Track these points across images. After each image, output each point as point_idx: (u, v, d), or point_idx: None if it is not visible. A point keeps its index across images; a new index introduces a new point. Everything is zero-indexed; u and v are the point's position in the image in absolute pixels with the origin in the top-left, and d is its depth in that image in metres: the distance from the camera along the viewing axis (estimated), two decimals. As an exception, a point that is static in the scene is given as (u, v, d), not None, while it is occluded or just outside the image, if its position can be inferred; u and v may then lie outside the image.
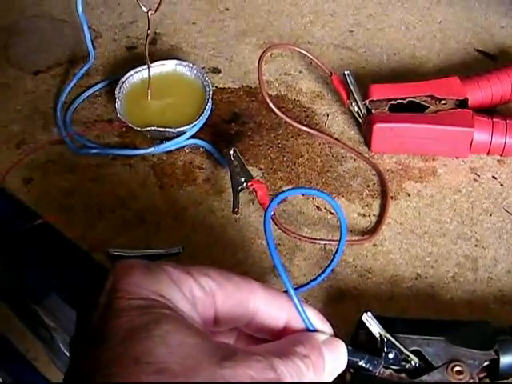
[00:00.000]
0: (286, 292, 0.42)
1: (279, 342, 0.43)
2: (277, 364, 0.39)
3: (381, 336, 0.52)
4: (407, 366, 0.53)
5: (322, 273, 0.57)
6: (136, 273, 0.38)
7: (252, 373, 0.37)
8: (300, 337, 0.43)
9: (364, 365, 0.49)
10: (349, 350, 0.46)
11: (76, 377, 0.36)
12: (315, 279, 0.58)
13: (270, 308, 0.43)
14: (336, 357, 0.44)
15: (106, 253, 0.63)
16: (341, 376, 0.46)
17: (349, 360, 0.46)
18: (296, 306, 0.42)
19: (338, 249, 0.51)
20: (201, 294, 0.40)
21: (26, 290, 0.65)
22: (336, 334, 0.45)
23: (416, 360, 0.53)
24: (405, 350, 0.52)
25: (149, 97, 0.75)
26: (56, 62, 0.82)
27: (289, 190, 0.45)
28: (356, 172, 0.70)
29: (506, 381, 0.55)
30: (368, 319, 0.52)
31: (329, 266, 0.55)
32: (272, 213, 0.64)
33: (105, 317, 0.37)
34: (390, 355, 0.52)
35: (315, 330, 0.44)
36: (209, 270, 0.42)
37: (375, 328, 0.52)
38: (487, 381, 0.56)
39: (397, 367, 0.53)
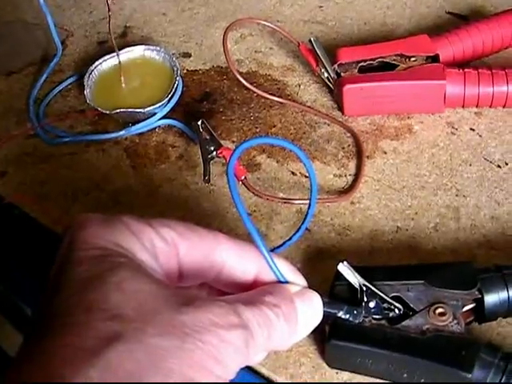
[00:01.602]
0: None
1: (247, 292, 0.41)
2: (242, 310, 0.38)
3: (360, 285, 0.51)
4: (390, 315, 0.51)
5: (297, 232, 0.55)
6: (93, 224, 0.38)
7: (213, 317, 0.36)
8: (270, 288, 0.42)
9: (343, 316, 0.48)
10: (325, 302, 0.45)
11: (34, 327, 0.35)
12: (290, 239, 0.57)
13: (239, 260, 0.42)
14: (310, 308, 0.43)
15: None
16: (318, 329, 0.45)
17: (326, 312, 0.45)
18: (265, 256, 0.41)
19: (310, 202, 0.49)
20: (162, 245, 0.39)
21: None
22: (311, 288, 0.44)
23: (399, 307, 0.51)
24: (386, 297, 0.51)
25: (123, 84, 0.74)
26: (29, 63, 0.83)
27: (251, 139, 0.43)
28: (330, 136, 0.69)
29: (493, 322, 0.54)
30: (345, 269, 0.51)
31: (303, 223, 0.54)
32: (242, 177, 0.63)
33: (62, 268, 0.36)
34: (371, 304, 0.50)
35: (287, 282, 0.43)
36: (171, 221, 0.41)
37: (353, 277, 0.51)
38: (475, 324, 0.54)
39: (379, 316, 0.51)
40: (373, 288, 0.51)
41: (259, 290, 0.42)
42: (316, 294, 0.44)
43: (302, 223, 0.53)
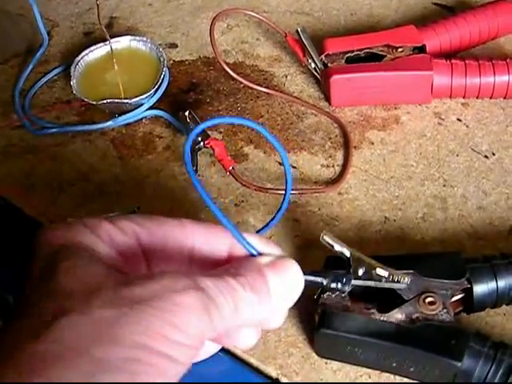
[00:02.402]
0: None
1: (215, 269, 0.40)
2: (200, 278, 0.37)
3: (345, 253, 0.50)
4: (383, 281, 0.50)
5: (273, 218, 0.53)
6: (52, 228, 0.40)
7: (166, 283, 0.35)
8: (238, 261, 0.41)
9: (331, 285, 0.47)
10: (308, 271, 0.44)
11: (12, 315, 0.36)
12: (266, 225, 0.55)
13: (207, 240, 0.42)
14: (285, 277, 0.41)
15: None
16: (308, 317, 0.45)
17: (310, 282, 0.44)
18: (231, 230, 0.40)
19: (286, 180, 0.46)
20: (120, 235, 0.40)
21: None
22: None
23: (387, 272, 0.50)
24: (376, 263, 0.50)
25: (109, 74, 0.74)
26: (14, 54, 0.82)
27: (213, 118, 0.43)
28: (317, 126, 0.69)
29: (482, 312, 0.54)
30: (327, 239, 0.50)
31: (280, 209, 0.51)
32: (230, 167, 0.63)
33: (29, 270, 0.38)
34: (360, 271, 0.49)
35: (259, 254, 0.41)
36: (131, 215, 0.43)
37: (338, 246, 0.50)
38: (464, 315, 0.54)
39: (367, 281, 0.50)
40: (359, 254, 0.50)
41: (227, 265, 0.41)
42: (293, 262, 0.42)
43: (279, 209, 0.50)
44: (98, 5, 0.69)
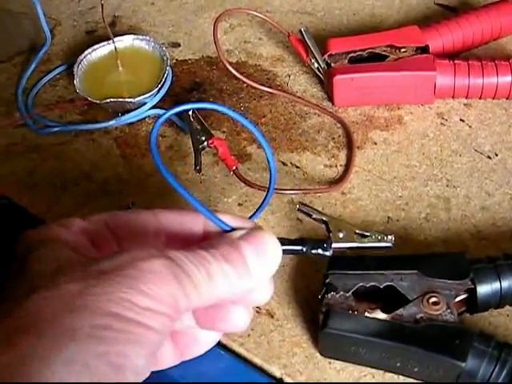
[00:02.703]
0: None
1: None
2: (170, 251, 0.37)
3: (324, 220, 0.50)
4: (366, 241, 0.51)
5: (256, 211, 0.51)
6: (29, 232, 0.41)
7: (132, 254, 0.36)
8: (211, 238, 0.41)
9: (312, 251, 0.46)
10: (285, 240, 0.43)
11: None
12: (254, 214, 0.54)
13: (181, 223, 0.42)
14: (260, 247, 0.40)
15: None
16: (312, 317, 0.45)
17: (290, 250, 0.44)
18: (197, 207, 0.40)
19: (270, 172, 0.45)
20: (90, 226, 0.42)
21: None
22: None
23: (367, 233, 0.50)
24: (354, 226, 0.50)
25: (112, 73, 0.74)
26: (16, 52, 0.81)
27: (185, 103, 0.43)
28: (320, 126, 0.69)
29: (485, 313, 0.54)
30: (304, 209, 0.50)
31: (263, 203, 0.50)
32: (234, 167, 0.63)
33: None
34: (340, 234, 0.50)
35: (232, 229, 0.41)
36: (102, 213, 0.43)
37: (315, 213, 0.50)
38: (467, 315, 0.54)
39: (349, 243, 0.51)
40: (339, 219, 0.50)
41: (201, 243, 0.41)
42: (269, 233, 0.41)
43: (262, 202, 0.48)
44: (102, 4, 0.68)
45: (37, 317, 0.33)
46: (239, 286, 0.39)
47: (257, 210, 0.45)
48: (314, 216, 0.50)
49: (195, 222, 0.42)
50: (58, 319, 0.32)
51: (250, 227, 0.41)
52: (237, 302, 0.41)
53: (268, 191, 0.44)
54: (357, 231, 0.50)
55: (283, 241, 0.42)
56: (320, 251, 0.47)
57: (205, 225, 0.42)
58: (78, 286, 0.34)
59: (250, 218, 0.47)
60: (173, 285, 0.35)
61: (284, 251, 0.42)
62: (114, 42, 0.73)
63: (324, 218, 0.50)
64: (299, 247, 0.45)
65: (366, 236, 0.50)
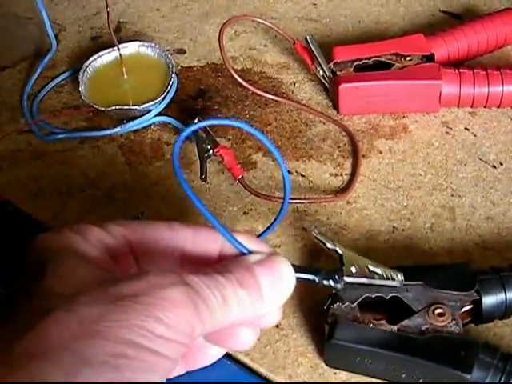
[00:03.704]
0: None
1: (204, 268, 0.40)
2: (187, 276, 0.37)
3: (337, 251, 0.49)
4: (376, 278, 0.50)
5: (272, 225, 0.52)
6: (45, 235, 0.40)
7: (151, 280, 0.35)
8: (227, 261, 0.41)
9: (324, 282, 0.45)
10: (299, 268, 0.43)
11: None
12: (263, 233, 0.55)
13: (196, 240, 0.42)
14: (275, 274, 0.40)
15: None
16: (317, 328, 0.45)
17: (302, 279, 0.44)
18: (219, 230, 0.39)
19: (284, 185, 0.45)
20: (109, 238, 0.40)
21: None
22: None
23: (380, 271, 0.50)
24: (368, 260, 0.49)
25: (118, 80, 0.74)
26: (21, 58, 0.82)
27: (208, 119, 0.43)
28: (326, 135, 0.69)
29: (490, 324, 0.54)
30: (319, 237, 0.50)
31: (278, 215, 0.50)
32: (239, 176, 0.63)
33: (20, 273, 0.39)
34: (353, 269, 0.49)
35: (249, 252, 0.41)
36: (121, 220, 0.42)
37: (330, 243, 0.50)
38: (472, 325, 0.54)
39: (360, 278, 0.49)
40: (351, 252, 0.49)
41: (216, 264, 0.41)
42: (283, 259, 0.41)
43: (278, 215, 0.50)
44: (108, 12, 0.68)
45: (51, 341, 0.32)
46: (252, 311, 0.39)
47: (273, 222, 0.46)
48: (328, 246, 0.50)
49: (211, 240, 0.42)
50: (74, 345, 0.32)
51: (266, 252, 0.41)
52: (245, 323, 0.41)
53: (282, 207, 0.45)
54: (369, 266, 0.50)
55: (296, 268, 0.42)
56: (331, 283, 0.46)
57: (221, 244, 0.42)
58: (96, 310, 0.33)
59: (266, 230, 0.49)
60: (190, 313, 0.35)
61: (296, 279, 0.42)
62: (119, 49, 0.73)
63: (339, 250, 0.50)
64: (311, 276, 0.45)
65: (377, 273, 0.50)
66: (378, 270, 0.49)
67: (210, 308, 0.36)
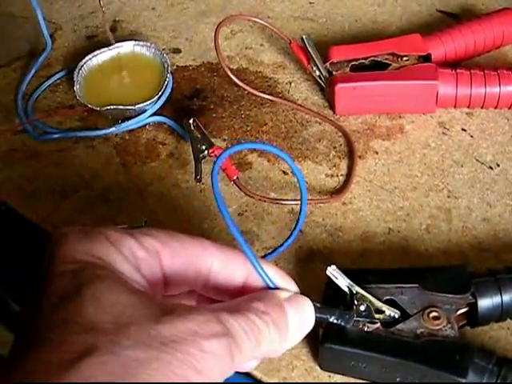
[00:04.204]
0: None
1: (234, 300, 0.40)
2: (225, 317, 0.37)
3: (349, 289, 0.51)
4: (382, 317, 0.51)
5: (289, 237, 0.55)
6: (72, 238, 0.38)
7: (193, 326, 0.35)
8: (258, 294, 0.41)
9: (335, 321, 0.47)
10: (317, 307, 0.44)
11: (19, 340, 0.35)
12: (282, 245, 0.57)
13: (225, 266, 0.42)
14: (301, 314, 0.42)
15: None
16: (311, 332, 0.45)
17: (318, 317, 0.45)
18: (252, 262, 0.40)
19: (301, 208, 0.49)
20: (143, 255, 0.39)
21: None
22: (304, 294, 0.43)
23: (389, 309, 0.51)
24: (376, 301, 0.51)
25: (113, 79, 0.74)
26: (16, 57, 0.81)
27: (239, 144, 0.43)
28: (321, 135, 0.69)
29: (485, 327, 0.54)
30: (333, 272, 0.51)
31: (294, 229, 0.53)
32: (234, 177, 0.63)
33: (42, 284, 0.36)
34: (362, 308, 0.50)
35: (276, 288, 0.42)
36: (152, 230, 0.40)
37: (342, 281, 0.51)
38: (468, 328, 0.54)
39: (370, 319, 0.51)
40: (362, 291, 0.50)
41: (247, 296, 0.41)
42: (307, 300, 0.43)
43: (294, 229, 0.53)
44: (103, 11, 0.68)
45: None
46: (275, 348, 0.40)
47: (293, 229, 0.49)
48: (340, 284, 0.50)
49: (239, 267, 0.42)
50: None
51: (293, 289, 0.43)
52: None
53: (301, 208, 0.47)
54: (377, 305, 0.50)
55: (314, 307, 0.44)
56: (342, 323, 0.48)
57: (248, 273, 0.42)
58: (139, 354, 0.32)
59: (288, 239, 0.53)
60: (226, 364, 0.36)
61: None
62: (114, 48, 0.73)
63: (352, 289, 0.50)
64: (326, 316, 0.47)
65: (382, 312, 0.50)
66: (387, 312, 0.50)
67: (243, 353, 0.37)
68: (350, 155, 0.67)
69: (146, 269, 0.39)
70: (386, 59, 0.70)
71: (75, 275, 0.36)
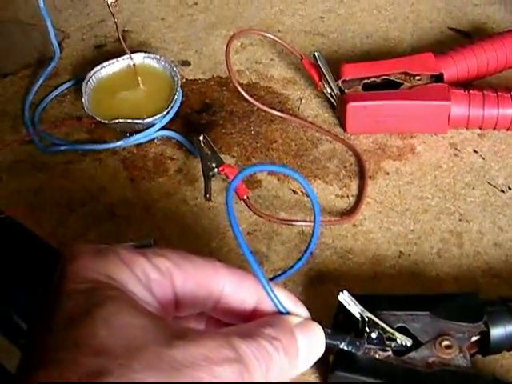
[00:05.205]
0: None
1: (245, 324, 0.40)
2: (238, 343, 0.36)
3: (361, 316, 0.50)
4: (393, 345, 0.50)
5: (299, 260, 0.54)
6: (85, 256, 0.37)
7: (206, 351, 0.34)
8: (269, 319, 0.41)
9: (345, 347, 0.47)
10: (327, 333, 0.43)
11: (26, 365, 0.34)
12: (293, 267, 0.56)
13: (237, 289, 0.41)
14: (311, 341, 0.41)
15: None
16: (321, 358, 0.44)
17: (328, 343, 0.44)
18: (264, 286, 0.40)
19: (313, 231, 0.48)
20: (156, 276, 0.38)
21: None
22: (314, 319, 0.43)
23: (401, 337, 0.50)
24: (388, 328, 0.50)
25: (122, 92, 0.73)
26: (24, 65, 0.80)
27: (253, 165, 0.42)
28: (332, 154, 0.68)
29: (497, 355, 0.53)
30: (345, 299, 0.50)
31: (305, 251, 0.53)
32: (245, 196, 0.62)
33: (52, 302, 0.36)
34: (373, 335, 0.49)
35: (287, 313, 0.41)
36: (165, 250, 0.40)
37: (354, 308, 0.50)
38: (479, 356, 0.53)
39: (381, 347, 0.50)
40: (374, 318, 0.50)
41: (258, 321, 0.40)
42: (318, 326, 0.42)
43: (305, 251, 0.52)
44: (116, 22, 0.67)
45: None
46: (285, 373, 0.39)
47: (304, 251, 0.49)
48: (352, 310, 0.49)
49: (251, 292, 0.41)
50: None
51: (303, 315, 0.42)
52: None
53: (313, 231, 0.46)
54: (389, 332, 0.50)
55: (325, 333, 0.43)
56: (353, 350, 0.47)
57: (259, 297, 0.41)
58: (148, 378, 0.32)
59: (299, 261, 0.52)
60: None
61: None
62: (128, 59, 0.72)
63: (364, 316, 0.50)
64: (337, 342, 0.46)
65: (394, 339, 0.50)
66: (398, 339, 0.50)
67: (254, 378, 0.36)
68: (361, 175, 0.66)
69: (157, 290, 0.38)
70: (398, 78, 0.70)
71: (86, 295, 0.35)
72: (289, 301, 0.42)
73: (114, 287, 0.36)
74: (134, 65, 0.73)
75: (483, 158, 0.67)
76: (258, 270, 0.39)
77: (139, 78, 0.73)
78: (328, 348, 0.44)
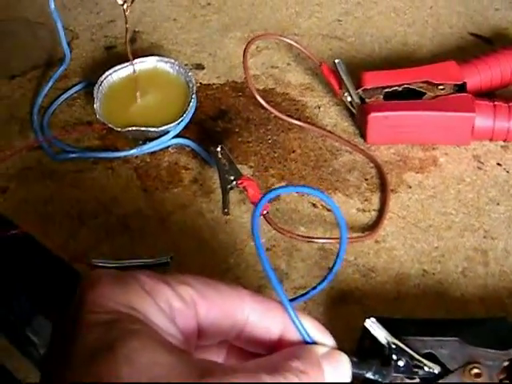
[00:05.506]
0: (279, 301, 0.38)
1: (272, 356, 0.38)
2: (265, 380, 0.34)
3: (388, 343, 0.48)
4: (420, 373, 0.48)
5: (323, 280, 0.52)
6: (103, 283, 0.35)
7: None
8: (296, 350, 0.39)
9: (372, 376, 0.45)
10: (354, 362, 0.42)
11: None
12: (315, 288, 0.53)
13: (262, 318, 0.39)
14: (338, 371, 0.40)
15: (89, 264, 0.58)
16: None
17: (354, 373, 0.42)
18: (290, 315, 0.38)
19: (339, 252, 0.46)
20: (180, 305, 0.36)
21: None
22: (339, 348, 0.41)
23: (430, 365, 0.48)
24: (416, 356, 0.48)
25: (138, 98, 0.70)
26: (32, 66, 0.78)
27: (280, 187, 0.40)
28: (352, 165, 0.66)
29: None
30: (372, 325, 0.48)
31: (330, 271, 0.50)
32: (264, 211, 0.60)
33: (71, 333, 0.34)
34: (401, 363, 0.47)
35: (313, 343, 0.40)
36: (188, 278, 0.38)
37: (381, 334, 0.48)
38: (507, 382, 0.51)
39: (408, 375, 0.48)
40: (402, 346, 0.48)
41: (284, 353, 0.39)
42: (345, 356, 0.41)
43: (329, 273, 0.50)
44: (127, 27, 0.65)
45: None
46: None
47: (328, 273, 0.47)
48: (379, 338, 0.47)
49: (276, 320, 0.39)
50: None
51: (330, 344, 0.40)
52: None
53: (338, 253, 0.45)
54: (416, 359, 0.48)
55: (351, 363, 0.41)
56: (380, 379, 0.45)
57: (284, 325, 0.39)
58: None
59: (322, 282, 0.48)
60: None
61: None
62: (134, 71, 0.69)
63: (390, 343, 0.47)
64: (363, 371, 0.44)
65: (421, 367, 0.48)
66: (426, 367, 0.48)
67: None
68: (383, 188, 0.64)
69: (181, 320, 0.37)
70: (421, 87, 0.68)
71: (107, 328, 0.33)
72: (315, 330, 0.40)
73: (137, 319, 0.34)
74: (140, 70, 0.70)
75: (507, 172, 0.66)
76: (285, 299, 0.37)
77: (150, 85, 0.70)
78: (354, 377, 0.43)
